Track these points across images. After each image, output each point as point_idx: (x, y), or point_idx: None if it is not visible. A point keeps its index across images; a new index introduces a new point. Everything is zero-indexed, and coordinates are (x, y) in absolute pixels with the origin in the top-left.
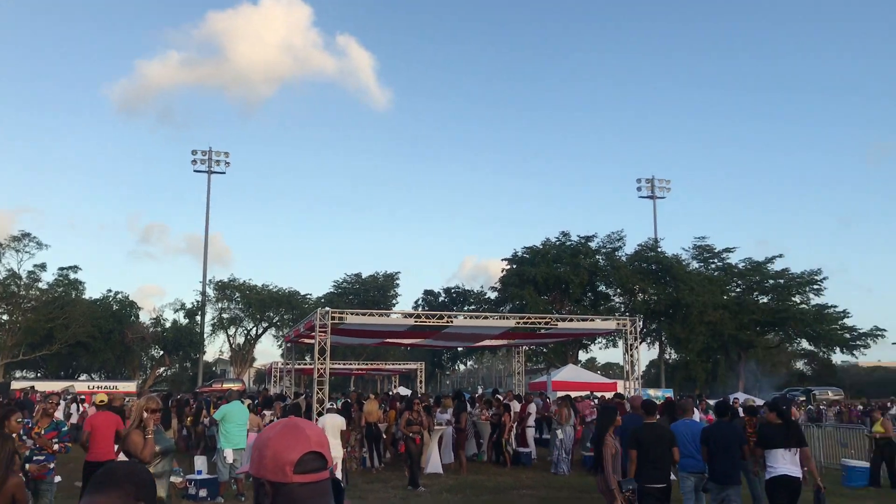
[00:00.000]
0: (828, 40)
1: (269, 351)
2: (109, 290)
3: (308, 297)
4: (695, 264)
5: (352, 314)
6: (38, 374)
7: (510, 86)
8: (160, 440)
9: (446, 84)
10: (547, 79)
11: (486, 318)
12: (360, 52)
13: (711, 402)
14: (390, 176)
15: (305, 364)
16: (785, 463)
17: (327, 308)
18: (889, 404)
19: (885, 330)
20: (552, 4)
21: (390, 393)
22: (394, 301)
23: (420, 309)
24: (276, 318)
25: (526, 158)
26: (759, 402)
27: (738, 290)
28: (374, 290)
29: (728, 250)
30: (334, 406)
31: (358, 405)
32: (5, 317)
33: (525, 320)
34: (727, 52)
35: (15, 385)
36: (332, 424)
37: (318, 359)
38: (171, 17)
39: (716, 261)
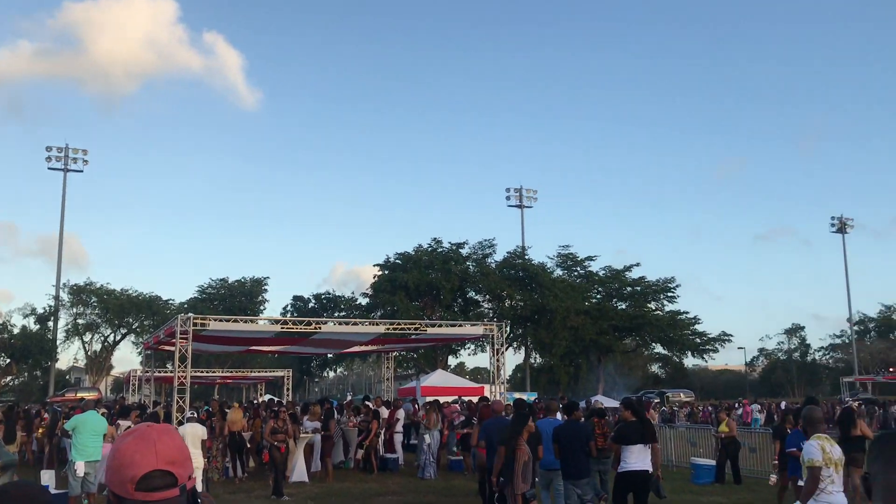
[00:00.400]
0: (680, 61)
1: (128, 358)
2: None
3: (170, 302)
4: (559, 271)
5: (215, 320)
6: None
7: (383, 89)
8: (0, 454)
9: (317, 85)
10: (420, 85)
11: (355, 324)
12: (229, 51)
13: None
14: (259, 178)
15: (167, 372)
16: (638, 458)
17: (189, 314)
18: (736, 405)
19: (731, 335)
20: (425, 6)
21: (255, 401)
22: (261, 307)
23: (288, 315)
24: (136, 325)
25: (399, 164)
26: (615, 403)
27: (598, 296)
28: (241, 296)
29: (590, 258)
30: (195, 415)
31: (221, 414)
32: None
33: (395, 326)
34: (595, 67)
35: None
36: (193, 434)
37: (179, 366)
38: (23, 4)
39: (578, 268)
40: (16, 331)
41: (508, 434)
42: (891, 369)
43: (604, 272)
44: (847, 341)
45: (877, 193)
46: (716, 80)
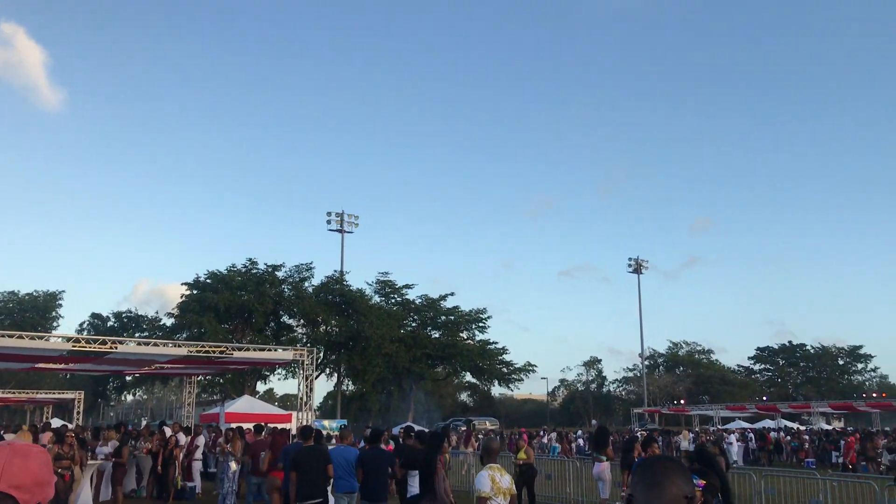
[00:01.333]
0: (495, 95)
1: None
2: None
3: None
4: (377, 298)
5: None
6: None
7: (200, 96)
8: None
9: (128, 88)
10: (241, 92)
11: (156, 344)
12: (30, 45)
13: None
14: (57, 183)
15: None
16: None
17: None
18: (542, 433)
19: (535, 366)
20: (239, 11)
21: (37, 424)
22: (55, 324)
23: (85, 333)
24: None
25: (215, 178)
26: (423, 429)
27: (413, 324)
28: (32, 311)
29: (408, 286)
30: None
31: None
32: None
33: (199, 349)
34: (419, 97)
35: None
36: None
37: None
38: None
39: (396, 296)
40: None
41: (427, 456)
42: (674, 402)
43: (420, 300)
44: (638, 374)
45: (668, 239)
46: (529, 115)
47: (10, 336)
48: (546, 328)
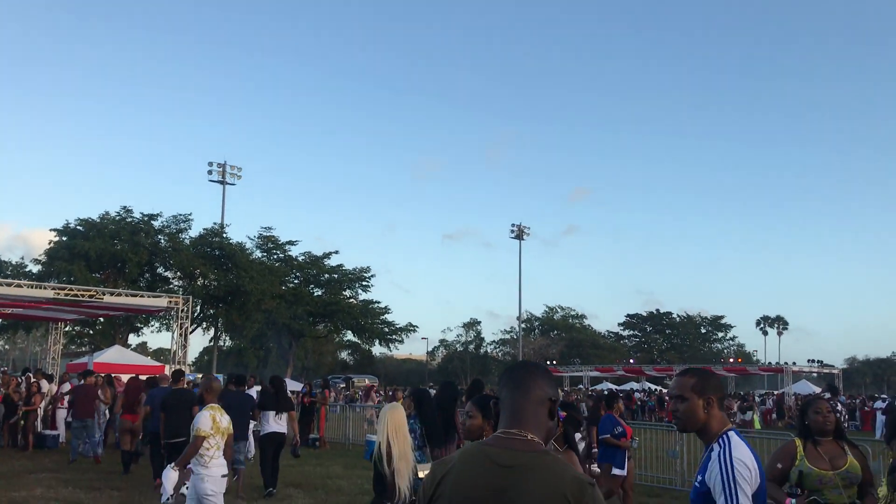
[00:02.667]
0: (390, 56)
1: None
2: None
3: None
4: (258, 253)
5: None
6: None
7: (75, 28)
8: None
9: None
10: (121, 30)
11: (19, 286)
12: None
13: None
14: None
15: None
16: (273, 423)
17: None
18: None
19: (417, 326)
20: None
21: None
22: None
23: None
24: None
25: (85, 119)
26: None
27: (296, 281)
28: None
29: (291, 243)
30: None
31: None
32: None
33: (67, 291)
34: (311, 51)
35: None
36: None
37: None
38: None
39: (278, 252)
40: None
41: (448, 407)
42: (547, 362)
43: (303, 257)
44: (515, 337)
45: (549, 207)
46: (417, 78)
47: None
48: (428, 290)
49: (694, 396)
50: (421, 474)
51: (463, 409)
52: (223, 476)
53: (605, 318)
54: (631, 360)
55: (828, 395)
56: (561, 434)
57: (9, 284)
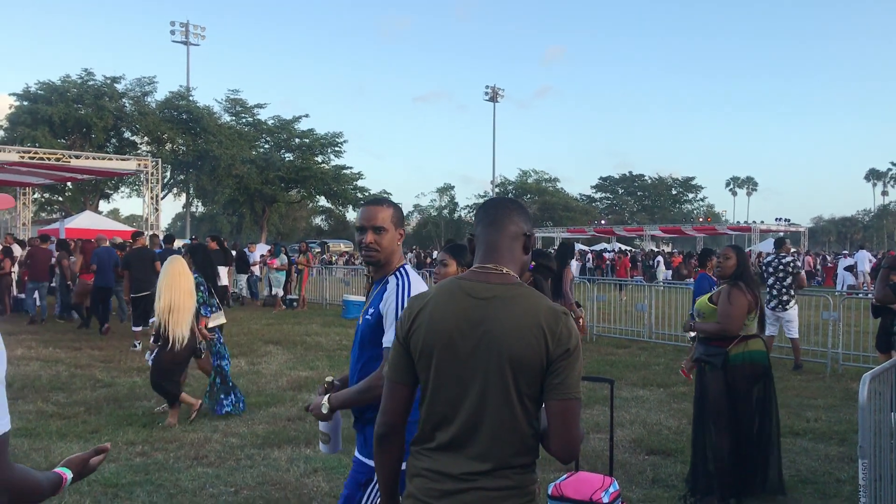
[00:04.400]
0: None
1: None
2: None
3: None
4: (227, 117)
5: None
6: None
7: None
8: None
9: None
10: None
11: None
12: None
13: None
14: None
15: None
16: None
17: None
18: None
19: (390, 193)
20: None
21: None
22: None
23: None
24: None
25: None
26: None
27: (266, 146)
28: None
29: (259, 106)
30: None
31: None
32: None
33: (32, 154)
34: None
35: None
36: None
37: None
38: None
39: (247, 116)
40: None
41: (560, 265)
42: None
43: (273, 121)
44: None
45: (523, 67)
46: None
47: None
48: (401, 155)
49: (392, 228)
50: (212, 324)
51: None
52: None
53: (578, 181)
54: (602, 222)
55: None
56: (530, 283)
57: None
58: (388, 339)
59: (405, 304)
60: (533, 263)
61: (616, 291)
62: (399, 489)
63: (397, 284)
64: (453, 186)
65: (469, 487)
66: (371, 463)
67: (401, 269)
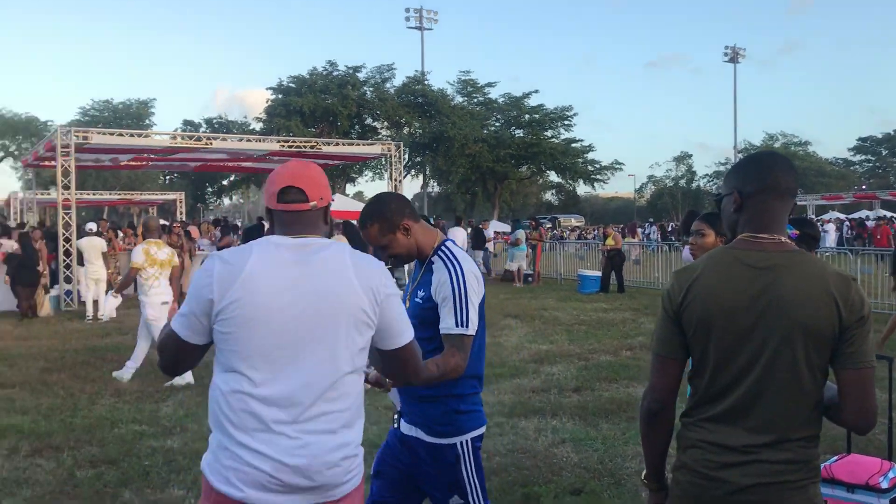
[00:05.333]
0: None
1: (7, 184)
2: None
3: (49, 123)
4: (459, 98)
5: (98, 133)
6: None
7: None
8: None
9: None
10: None
11: (249, 140)
12: None
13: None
14: None
15: (49, 196)
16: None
17: (70, 127)
18: (646, 225)
19: (622, 164)
20: None
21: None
22: (149, 130)
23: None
24: (14, 147)
25: None
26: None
27: (497, 124)
28: (126, 118)
29: (490, 85)
30: (93, 230)
31: (113, 233)
32: None
33: (289, 143)
34: None
35: None
36: (92, 246)
37: (62, 181)
38: None
39: (478, 95)
40: None
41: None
42: None
43: (503, 99)
44: (730, 168)
45: (764, 23)
46: None
47: (111, 133)
48: (633, 125)
49: (391, 235)
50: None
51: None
52: (163, 303)
53: (831, 144)
54: (863, 187)
55: None
56: None
57: (239, 139)
58: (448, 326)
59: (466, 289)
60: (796, 232)
61: (880, 263)
62: (663, 469)
63: (449, 271)
64: (690, 155)
65: (751, 460)
66: (440, 441)
67: (443, 249)
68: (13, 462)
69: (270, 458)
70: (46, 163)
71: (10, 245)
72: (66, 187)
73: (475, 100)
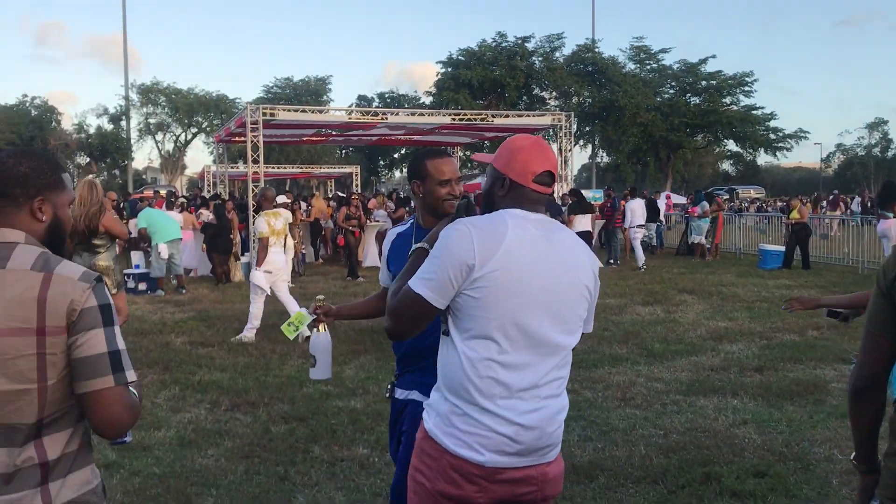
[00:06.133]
0: None
1: (200, 159)
2: (25, 95)
3: (237, 101)
4: (631, 65)
5: (284, 110)
6: None
7: None
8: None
9: None
10: None
11: (421, 114)
12: None
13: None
14: None
15: (239, 169)
16: (582, 224)
17: (258, 105)
18: (832, 196)
19: (808, 132)
20: None
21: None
22: (327, 106)
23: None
24: (206, 124)
25: None
26: (683, 199)
27: (671, 91)
28: (306, 95)
29: (664, 51)
30: (283, 201)
31: (298, 204)
32: None
33: (460, 116)
34: None
35: None
36: (283, 218)
37: (252, 156)
38: None
39: (651, 62)
40: (91, 130)
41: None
42: None
43: (678, 66)
44: None
45: None
46: None
47: (295, 110)
48: (819, 90)
49: None
50: None
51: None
52: (267, 271)
53: None
54: None
55: None
56: None
57: (410, 114)
58: None
59: None
60: None
61: None
62: (873, 451)
63: None
64: (886, 121)
65: None
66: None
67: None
68: (215, 415)
69: (513, 423)
70: (236, 138)
71: (207, 215)
72: (256, 161)
73: (648, 67)
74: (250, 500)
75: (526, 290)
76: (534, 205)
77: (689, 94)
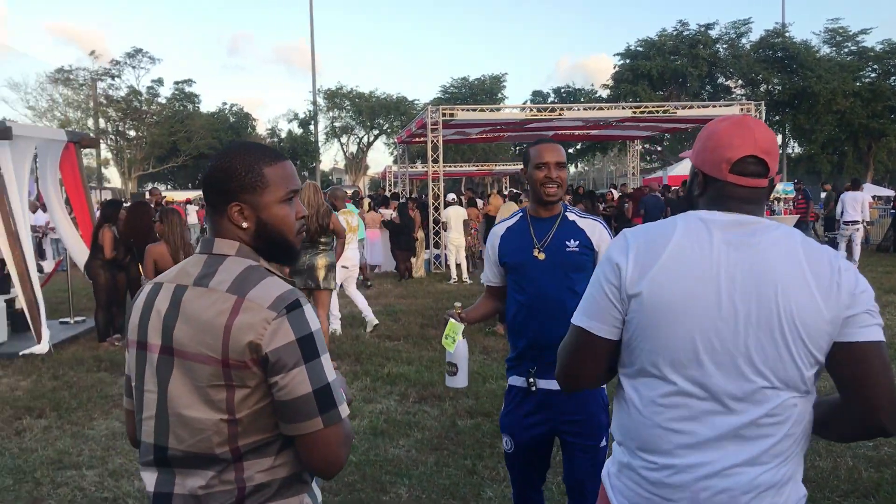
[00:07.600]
0: None
1: (380, 159)
2: (224, 103)
3: (416, 102)
4: (825, 49)
5: (462, 110)
6: (168, 186)
7: None
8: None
9: None
10: None
11: (599, 108)
12: None
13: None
14: None
15: (417, 169)
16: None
17: (438, 106)
18: None
19: None
20: None
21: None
22: (502, 103)
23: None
24: (387, 126)
25: None
26: (888, 192)
27: (872, 75)
28: (481, 94)
29: (864, 32)
30: (455, 199)
31: (473, 202)
32: (132, 132)
33: (641, 109)
34: None
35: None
36: (456, 215)
37: (432, 156)
38: None
39: (849, 44)
40: (283, 135)
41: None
42: None
43: (881, 46)
44: None
45: None
46: None
47: (473, 110)
48: None
49: None
50: None
51: None
52: (343, 266)
53: None
54: None
55: None
56: None
57: (587, 108)
58: None
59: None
60: None
61: None
62: None
63: (602, 224)
64: None
65: None
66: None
67: (567, 206)
68: (404, 406)
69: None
70: (417, 139)
71: (388, 214)
72: (436, 161)
73: (846, 49)
74: (441, 491)
75: (693, 314)
76: (739, 203)
77: (893, 78)
